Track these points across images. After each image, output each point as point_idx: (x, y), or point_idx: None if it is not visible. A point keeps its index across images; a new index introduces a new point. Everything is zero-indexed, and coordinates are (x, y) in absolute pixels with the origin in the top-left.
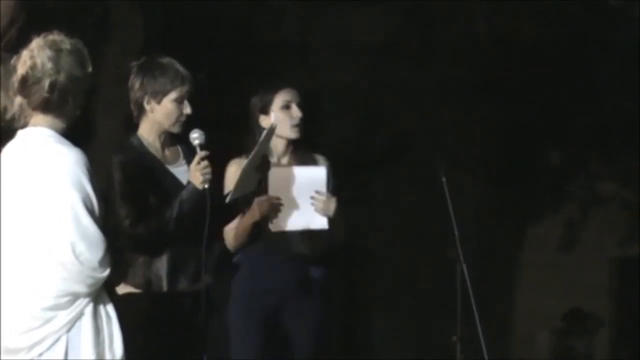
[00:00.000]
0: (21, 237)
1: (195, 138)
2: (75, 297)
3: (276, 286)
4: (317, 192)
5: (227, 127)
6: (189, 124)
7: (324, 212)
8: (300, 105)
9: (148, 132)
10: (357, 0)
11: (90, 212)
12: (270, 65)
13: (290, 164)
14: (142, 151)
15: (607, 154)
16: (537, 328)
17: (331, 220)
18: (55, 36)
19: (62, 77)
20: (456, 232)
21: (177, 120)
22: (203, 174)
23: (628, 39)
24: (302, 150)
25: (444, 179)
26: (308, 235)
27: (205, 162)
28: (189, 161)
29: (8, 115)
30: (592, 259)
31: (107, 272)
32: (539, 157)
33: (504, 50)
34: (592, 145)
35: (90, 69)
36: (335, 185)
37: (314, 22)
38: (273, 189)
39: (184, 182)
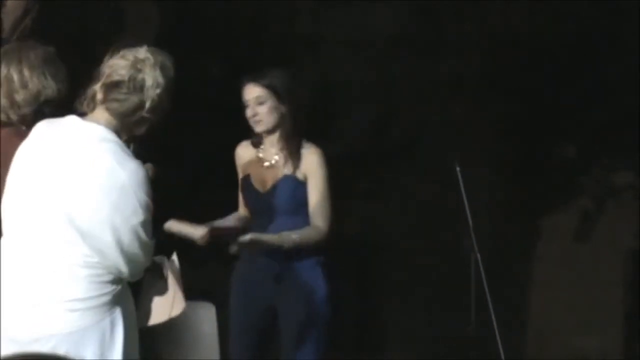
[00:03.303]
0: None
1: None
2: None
3: (261, 278)
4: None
5: (241, 122)
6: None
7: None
8: (261, 100)
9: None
10: None
11: (148, 229)
12: (282, 59)
13: (275, 152)
14: None
15: (621, 145)
16: (552, 320)
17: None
18: (166, 59)
19: (156, 104)
20: (470, 222)
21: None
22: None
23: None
24: (294, 138)
25: (458, 168)
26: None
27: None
28: (138, 156)
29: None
30: (607, 251)
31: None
32: (553, 150)
33: (516, 46)
34: (606, 137)
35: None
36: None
37: (326, 16)
38: None
39: None
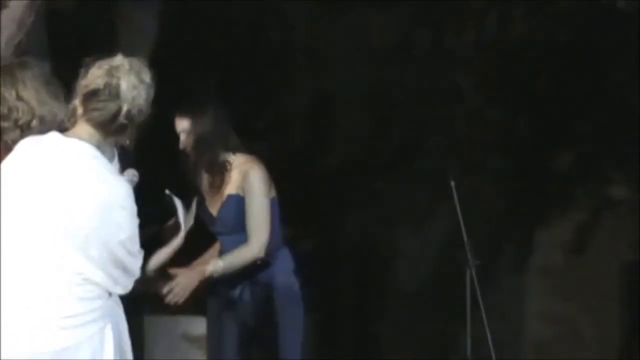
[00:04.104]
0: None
1: (132, 182)
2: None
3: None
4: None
5: (243, 131)
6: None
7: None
8: (184, 132)
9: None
10: (369, 3)
11: (136, 243)
12: (282, 69)
13: (212, 177)
14: None
15: (618, 157)
16: (548, 332)
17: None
18: (140, 65)
19: (134, 110)
20: (465, 236)
21: None
22: None
23: (638, 43)
24: (212, 164)
25: (452, 183)
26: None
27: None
28: (121, 161)
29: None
30: (604, 263)
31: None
32: (549, 162)
33: (515, 55)
34: (602, 149)
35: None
36: None
37: (326, 26)
38: None
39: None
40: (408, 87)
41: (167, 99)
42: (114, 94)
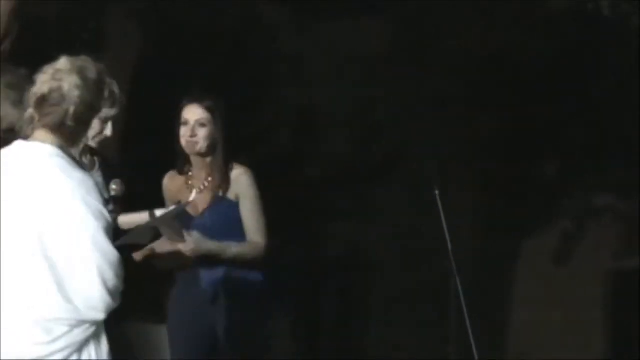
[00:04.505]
0: (32, 259)
1: (113, 190)
2: (92, 324)
3: (202, 294)
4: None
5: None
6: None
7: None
8: (202, 122)
9: None
10: (352, 13)
11: (109, 238)
12: (264, 78)
13: (207, 176)
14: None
15: (601, 166)
16: (531, 340)
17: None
18: (84, 62)
19: (83, 107)
20: (449, 245)
21: (95, 137)
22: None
23: (622, 51)
24: (225, 162)
25: (436, 192)
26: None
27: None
28: (103, 170)
29: (5, 125)
30: (587, 271)
31: (119, 301)
32: (533, 170)
33: (498, 63)
34: (586, 157)
35: (105, 96)
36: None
37: (308, 34)
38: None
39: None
40: (392, 96)
41: (143, 106)
42: (60, 96)
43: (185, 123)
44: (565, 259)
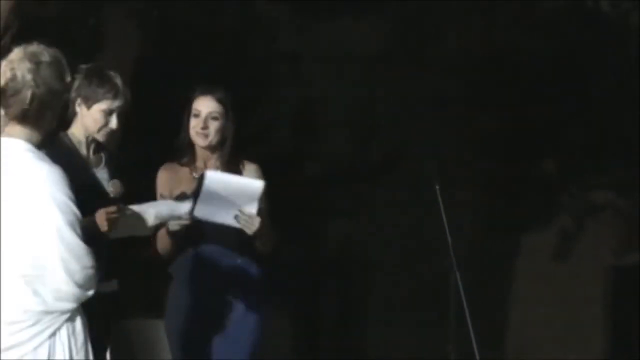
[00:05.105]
0: (2, 253)
1: (111, 191)
2: (62, 312)
3: (206, 292)
4: (240, 211)
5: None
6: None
7: (246, 230)
8: (214, 115)
9: (78, 132)
10: (351, 12)
11: (76, 230)
12: (264, 77)
13: (215, 170)
14: (70, 147)
15: (600, 163)
16: (531, 336)
17: (255, 236)
18: (35, 47)
19: (41, 90)
20: (450, 241)
21: (101, 130)
22: (108, 220)
23: (621, 50)
24: (232, 157)
25: (437, 187)
26: (238, 241)
27: (114, 209)
28: (109, 167)
29: None
30: (587, 268)
31: (93, 289)
32: (533, 167)
33: (497, 63)
34: (585, 155)
35: (69, 80)
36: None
37: (308, 34)
38: (205, 192)
39: (103, 183)
40: (392, 96)
41: (148, 104)
42: (15, 85)
43: (197, 115)
44: (565, 256)
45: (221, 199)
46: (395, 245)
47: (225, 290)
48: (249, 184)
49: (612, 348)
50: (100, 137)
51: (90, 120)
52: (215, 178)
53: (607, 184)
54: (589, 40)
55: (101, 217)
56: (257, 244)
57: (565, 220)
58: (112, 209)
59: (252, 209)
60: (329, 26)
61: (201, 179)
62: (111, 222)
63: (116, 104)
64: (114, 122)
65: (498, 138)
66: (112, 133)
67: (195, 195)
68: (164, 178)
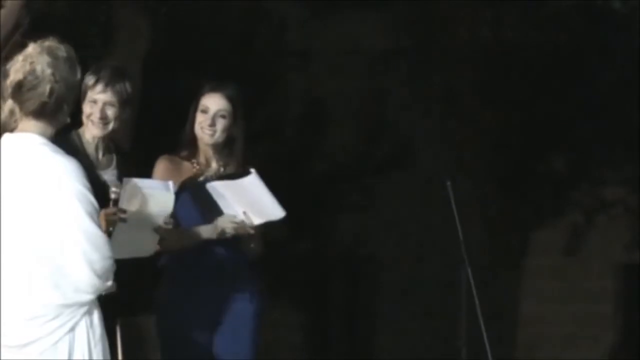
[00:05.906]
0: (22, 247)
1: (113, 192)
2: (81, 305)
3: (204, 295)
4: (248, 216)
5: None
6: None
7: (239, 231)
8: (223, 114)
9: (87, 131)
10: (360, 9)
11: (95, 220)
12: (273, 72)
13: (217, 168)
14: (77, 146)
15: (611, 160)
16: (542, 332)
17: (240, 238)
18: (52, 42)
19: (60, 84)
20: (461, 236)
21: (88, 120)
22: (106, 221)
23: (632, 46)
24: (231, 159)
25: (448, 183)
26: (232, 247)
27: (114, 209)
28: (120, 169)
29: None
30: (597, 264)
31: (111, 280)
32: (544, 164)
33: (507, 59)
34: (596, 152)
35: (79, 76)
36: None
37: (317, 30)
38: (241, 183)
39: (109, 185)
40: (401, 90)
41: (155, 97)
42: (34, 79)
43: (205, 111)
44: (576, 251)
45: (245, 197)
46: (405, 241)
47: (221, 286)
48: (274, 207)
49: (623, 343)
50: (93, 130)
51: (85, 114)
52: (254, 182)
53: (618, 180)
54: (599, 35)
55: (100, 218)
56: (243, 246)
57: (576, 216)
58: (112, 210)
59: (259, 221)
60: (338, 22)
61: (245, 173)
62: (109, 223)
63: (103, 96)
64: (97, 112)
65: (508, 133)
66: (104, 126)
67: (231, 177)
68: (163, 167)
